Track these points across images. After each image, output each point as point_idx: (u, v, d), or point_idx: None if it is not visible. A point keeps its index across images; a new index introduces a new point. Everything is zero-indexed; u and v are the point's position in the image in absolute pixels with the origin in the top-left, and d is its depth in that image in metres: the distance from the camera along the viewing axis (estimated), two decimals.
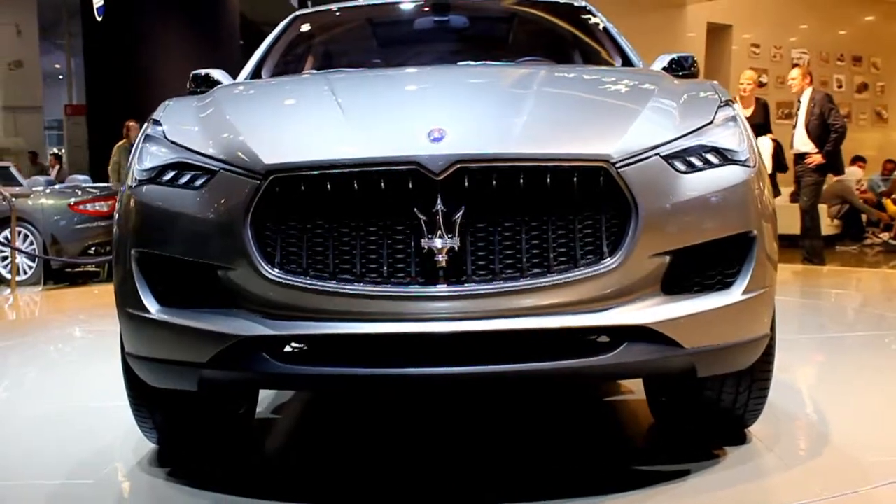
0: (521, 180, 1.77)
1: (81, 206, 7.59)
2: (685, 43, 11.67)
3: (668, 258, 1.83)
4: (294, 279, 1.80)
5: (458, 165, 1.75)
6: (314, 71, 3.18)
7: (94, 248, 7.47)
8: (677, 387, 2.37)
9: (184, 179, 1.95)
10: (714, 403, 2.25)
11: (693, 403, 2.31)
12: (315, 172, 1.79)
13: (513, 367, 1.77)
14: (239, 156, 1.89)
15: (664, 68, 2.70)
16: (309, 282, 1.79)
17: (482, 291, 1.76)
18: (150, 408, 2.28)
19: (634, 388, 2.93)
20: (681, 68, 2.69)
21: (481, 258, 1.78)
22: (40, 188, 8.11)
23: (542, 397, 2.92)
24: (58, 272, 7.77)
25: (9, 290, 7.09)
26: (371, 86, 2.40)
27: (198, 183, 1.92)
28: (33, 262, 7.57)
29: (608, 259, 1.78)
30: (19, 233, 7.39)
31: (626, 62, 3.03)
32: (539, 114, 1.97)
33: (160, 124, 2.16)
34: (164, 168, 2.01)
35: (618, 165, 1.80)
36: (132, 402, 2.29)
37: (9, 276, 7.26)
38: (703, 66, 11.39)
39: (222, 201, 1.86)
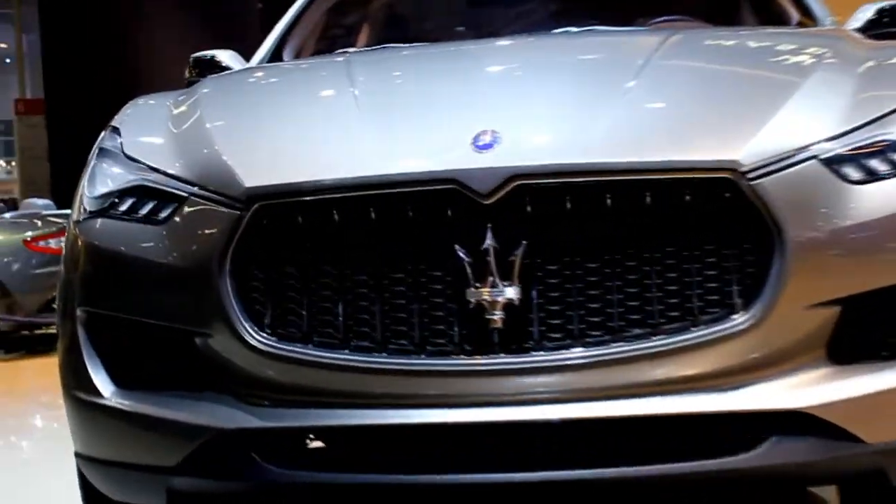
0: (609, 202, 1.76)
1: (42, 243, 7.79)
2: None
3: (836, 309, 1.79)
4: (290, 348, 1.82)
5: (516, 183, 1.75)
6: (351, 50, 3.23)
7: None
8: (883, 499, 2.28)
9: (144, 210, 2.01)
10: None
11: None
12: (314, 198, 1.82)
13: (602, 472, 1.76)
14: (214, 176, 1.94)
15: (869, 23, 2.64)
16: (311, 351, 1.82)
17: (557, 363, 1.75)
18: None
19: (828, 496, 2.84)
20: (894, 23, 2.62)
21: (553, 315, 1.77)
22: None
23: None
24: (10, 336, 8.00)
25: None
26: (403, 72, 2.44)
27: (162, 215, 1.97)
28: None
29: (741, 313, 1.75)
30: None
31: (806, 16, 3.00)
32: (638, 105, 1.98)
33: (119, 134, 2.24)
34: (120, 195, 2.08)
35: (750, 176, 1.77)
36: None
37: None
38: None
39: (193, 240, 1.90)
